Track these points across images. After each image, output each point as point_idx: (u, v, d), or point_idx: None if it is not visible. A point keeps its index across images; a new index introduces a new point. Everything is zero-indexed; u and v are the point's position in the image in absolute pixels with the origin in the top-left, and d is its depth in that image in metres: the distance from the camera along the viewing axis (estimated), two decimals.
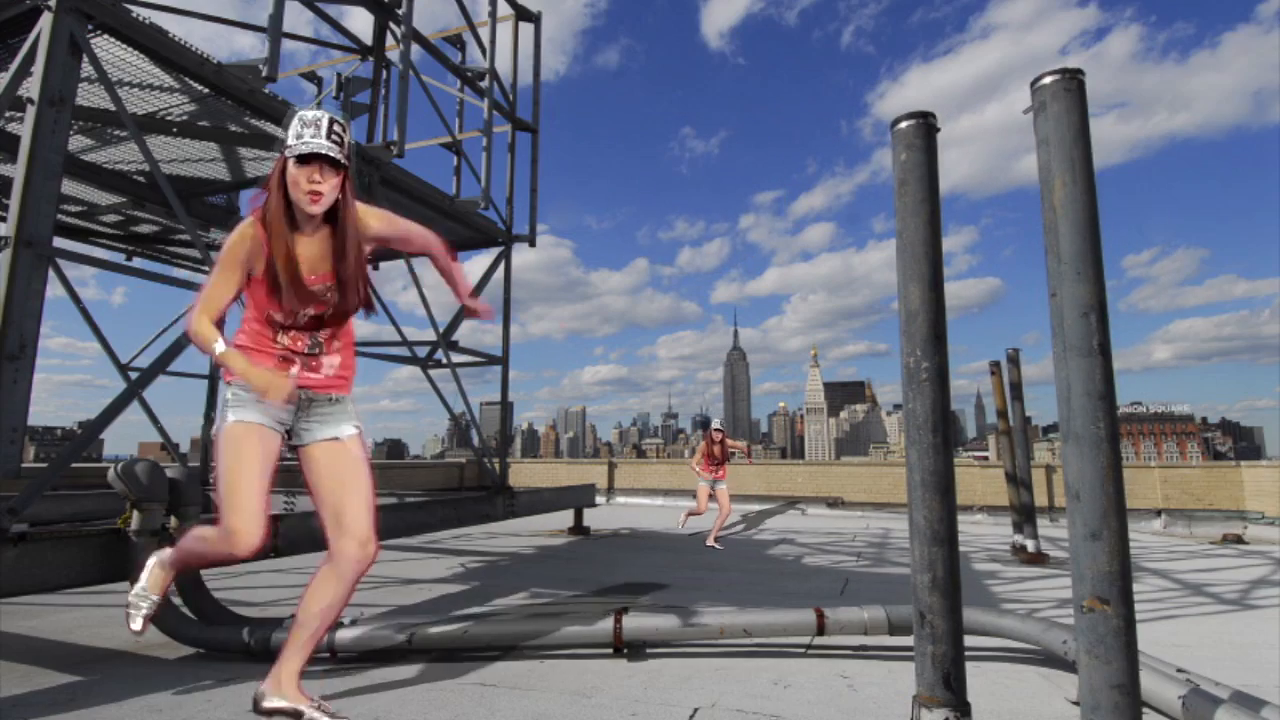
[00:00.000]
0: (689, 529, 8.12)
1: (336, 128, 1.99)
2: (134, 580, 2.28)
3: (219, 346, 1.94)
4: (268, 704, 2.02)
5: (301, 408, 2.13)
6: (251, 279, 2.03)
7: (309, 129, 1.96)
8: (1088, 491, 1.34)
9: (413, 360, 6.09)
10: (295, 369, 2.06)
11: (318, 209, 2.00)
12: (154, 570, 2.26)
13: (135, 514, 2.74)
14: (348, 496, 2.08)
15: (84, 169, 4.90)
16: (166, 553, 2.27)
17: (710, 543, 6.89)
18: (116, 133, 4.45)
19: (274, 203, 2.00)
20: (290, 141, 1.98)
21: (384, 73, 5.91)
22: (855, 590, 4.54)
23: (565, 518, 8.00)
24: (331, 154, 1.96)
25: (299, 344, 2.10)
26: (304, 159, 1.95)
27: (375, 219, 2.18)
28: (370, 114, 6.09)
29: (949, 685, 1.64)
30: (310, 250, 2.05)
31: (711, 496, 7.30)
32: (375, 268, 6.95)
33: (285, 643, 2.08)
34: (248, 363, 1.93)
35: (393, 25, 5.05)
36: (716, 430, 7.54)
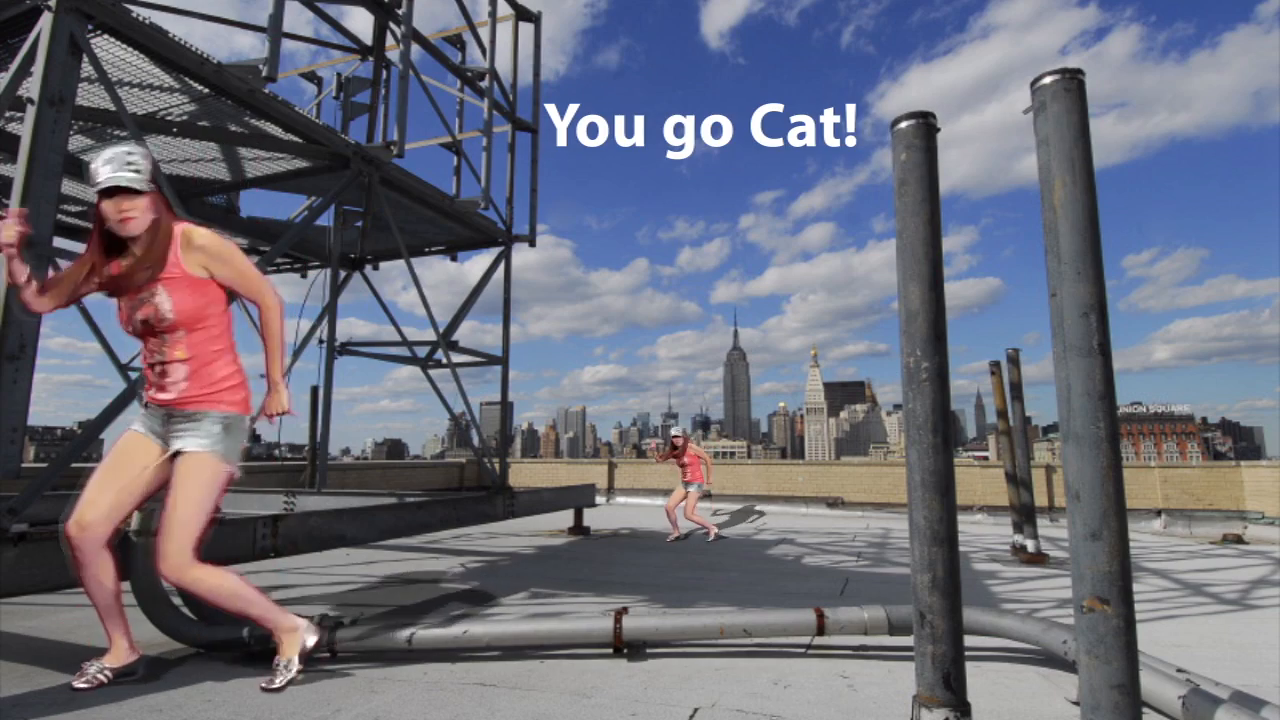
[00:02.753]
0: (685, 528, 8.13)
1: (131, 158, 2.29)
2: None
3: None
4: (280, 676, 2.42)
5: (163, 420, 2.38)
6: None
7: (107, 166, 2.27)
8: (1088, 491, 1.34)
9: (413, 360, 6.09)
10: (152, 387, 2.39)
11: (131, 230, 2.30)
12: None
13: (135, 514, 2.73)
14: (165, 513, 2.31)
15: (84, 169, 4.90)
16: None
17: (676, 537, 7.40)
18: (116, 133, 4.45)
19: (95, 234, 2.35)
20: (96, 180, 2.27)
21: (384, 73, 5.91)
22: (855, 590, 4.53)
23: (565, 518, 8.00)
24: (125, 184, 2.25)
25: (149, 357, 2.39)
26: (106, 193, 2.27)
27: (203, 246, 2.39)
28: (370, 114, 6.09)
29: (949, 685, 1.64)
30: (133, 265, 2.35)
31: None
32: (367, 269, 6.95)
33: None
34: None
35: (393, 25, 5.05)
36: (676, 436, 8.05)
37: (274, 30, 3.73)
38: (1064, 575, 5.33)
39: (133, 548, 2.72)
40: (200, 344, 2.39)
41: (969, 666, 1.72)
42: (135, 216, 2.29)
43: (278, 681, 2.35)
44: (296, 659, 2.44)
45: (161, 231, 2.35)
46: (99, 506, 2.29)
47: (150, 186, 2.31)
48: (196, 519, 2.31)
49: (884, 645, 2.96)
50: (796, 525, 9.60)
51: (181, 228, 2.39)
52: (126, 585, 2.58)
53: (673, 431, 8.27)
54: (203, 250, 2.38)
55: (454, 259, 6.94)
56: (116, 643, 2.40)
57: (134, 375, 5.32)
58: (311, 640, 2.50)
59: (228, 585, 2.36)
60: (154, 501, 2.75)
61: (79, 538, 2.27)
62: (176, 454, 2.34)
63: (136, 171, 2.28)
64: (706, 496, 8.41)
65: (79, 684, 2.30)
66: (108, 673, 2.35)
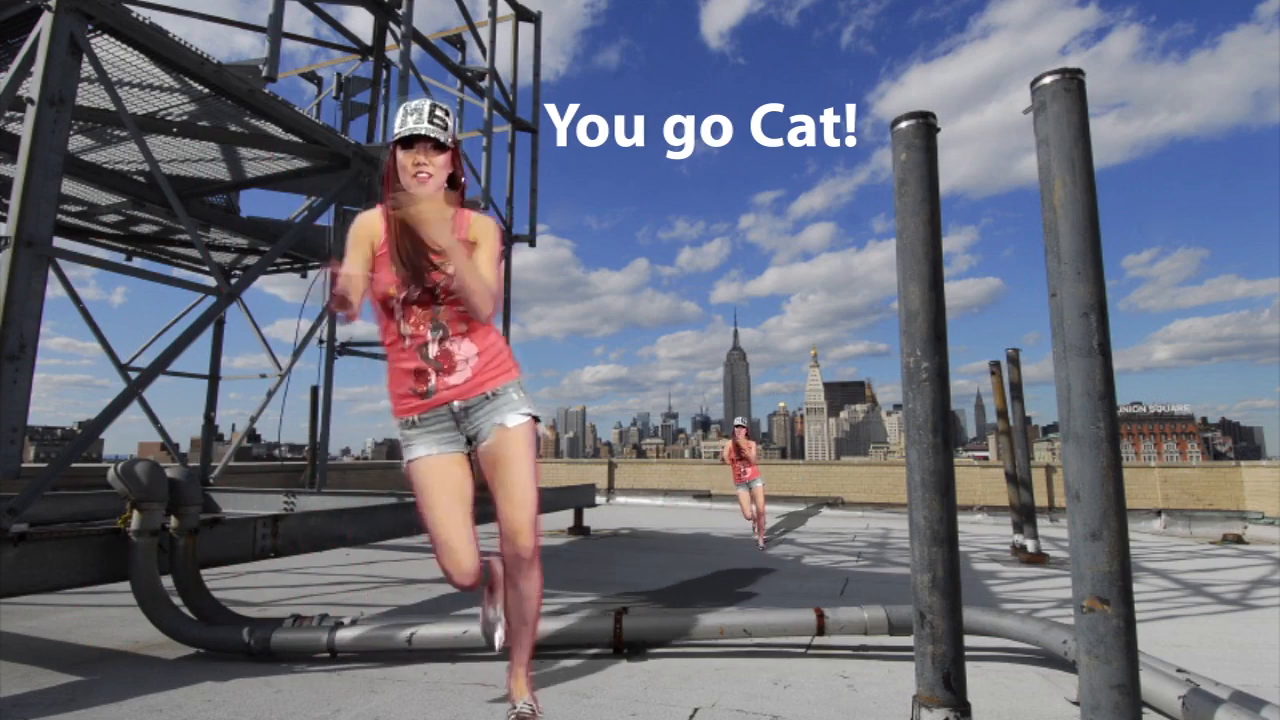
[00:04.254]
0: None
1: (439, 112, 2.06)
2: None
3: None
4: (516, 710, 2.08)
5: (459, 419, 2.06)
6: (373, 267, 2.04)
7: (411, 116, 2.03)
8: (1088, 491, 1.34)
9: None
10: (432, 379, 2.03)
11: (427, 188, 2.03)
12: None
13: (135, 514, 2.74)
14: (500, 494, 2.05)
15: (84, 169, 4.90)
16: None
17: (760, 542, 6.98)
18: (116, 133, 4.45)
19: (390, 186, 2.06)
20: (396, 130, 2.05)
21: (384, 73, 5.91)
22: (855, 590, 4.53)
23: (565, 518, 8.00)
24: (431, 134, 2.01)
25: (421, 328, 2.03)
26: (406, 143, 2.02)
27: (478, 217, 2.15)
28: (370, 114, 6.09)
29: (949, 685, 1.64)
30: (426, 227, 2.01)
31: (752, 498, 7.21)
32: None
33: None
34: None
35: (393, 25, 5.05)
36: (741, 427, 7.49)
37: (274, 30, 3.73)
38: (1064, 575, 5.33)
39: (133, 548, 2.72)
40: (473, 320, 2.08)
41: (969, 666, 1.72)
42: (432, 174, 2.03)
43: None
44: (515, 706, 2.07)
45: (451, 196, 2.14)
46: (466, 544, 2.03)
47: (452, 144, 2.09)
48: (536, 489, 2.10)
49: (884, 645, 2.96)
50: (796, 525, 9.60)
51: (468, 212, 2.17)
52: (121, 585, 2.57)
53: (737, 422, 7.57)
54: (481, 229, 2.13)
55: None
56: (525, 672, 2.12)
57: (134, 375, 5.32)
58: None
59: (542, 593, 2.16)
60: (154, 502, 2.75)
61: (475, 581, 2.06)
62: (488, 439, 2.05)
63: (443, 127, 2.06)
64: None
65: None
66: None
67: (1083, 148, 1.44)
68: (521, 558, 2.05)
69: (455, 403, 2.05)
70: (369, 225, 2.09)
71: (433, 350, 2.03)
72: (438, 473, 2.04)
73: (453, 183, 2.14)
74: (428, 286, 2.02)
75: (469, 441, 2.09)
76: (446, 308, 2.04)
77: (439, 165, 2.05)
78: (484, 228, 2.14)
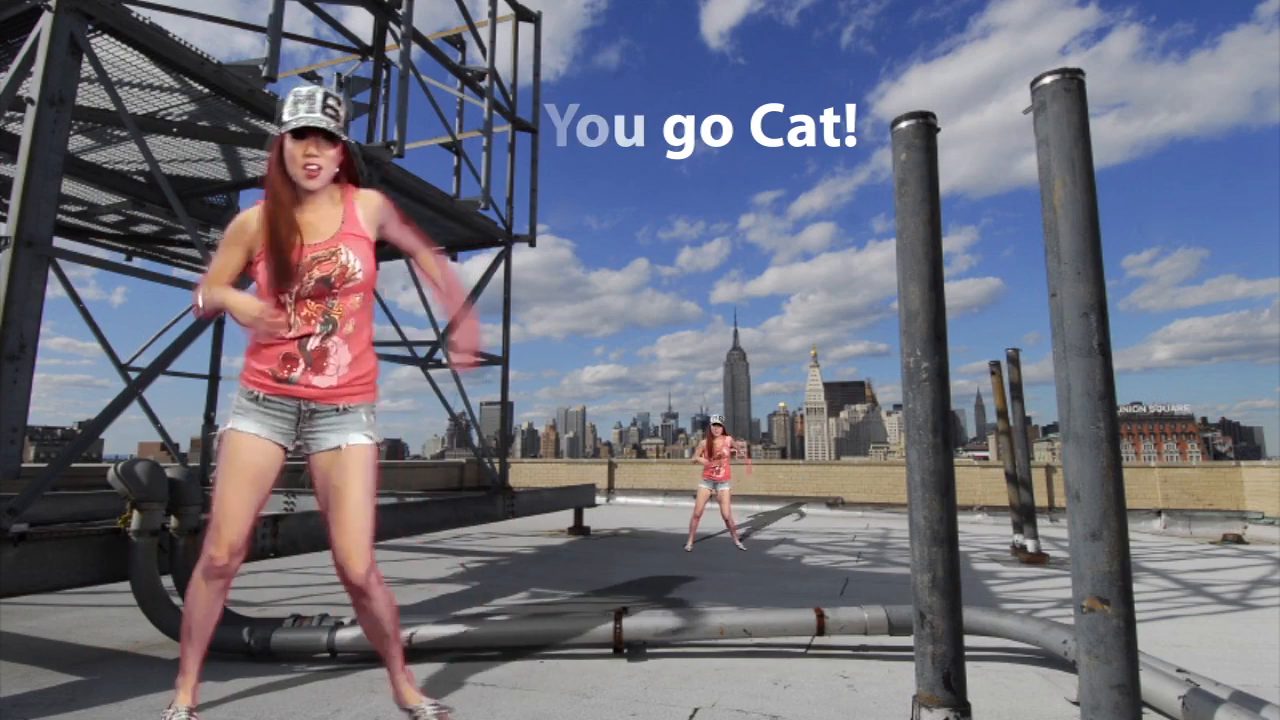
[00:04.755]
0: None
1: (331, 101, 1.99)
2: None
3: (217, 292, 1.93)
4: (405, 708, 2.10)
5: (304, 419, 2.02)
6: (255, 260, 2.00)
7: (303, 104, 1.97)
8: (1088, 491, 1.34)
9: (413, 360, 6.09)
10: (298, 370, 1.98)
11: (315, 183, 1.99)
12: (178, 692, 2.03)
13: (135, 514, 2.74)
14: (332, 518, 2.01)
15: (84, 169, 4.90)
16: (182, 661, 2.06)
17: (738, 544, 6.84)
18: (116, 133, 4.45)
19: (274, 176, 2.00)
20: (285, 118, 1.98)
21: (384, 73, 5.90)
22: (855, 590, 4.53)
23: (565, 518, 8.00)
24: (325, 126, 1.95)
25: (312, 322, 1.99)
26: (298, 134, 1.96)
27: (376, 201, 2.13)
28: (370, 114, 6.08)
29: (949, 685, 1.64)
30: (313, 218, 2.04)
31: (712, 498, 6.99)
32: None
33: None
34: (236, 295, 1.91)
35: (393, 25, 5.05)
36: (715, 425, 7.21)
37: (274, 30, 3.73)
38: (1064, 575, 5.33)
39: (133, 548, 2.72)
40: (364, 324, 2.08)
41: (969, 666, 1.72)
42: (322, 166, 1.98)
43: None
44: (428, 702, 2.09)
45: (343, 187, 2.10)
46: (244, 524, 1.96)
47: (344, 137, 2.03)
48: (373, 514, 2.05)
49: (884, 645, 2.96)
50: (796, 525, 9.60)
51: (352, 189, 2.13)
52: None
53: (714, 419, 7.26)
54: (374, 205, 2.11)
55: (454, 259, 6.94)
56: (192, 681, 2.02)
57: (134, 375, 5.33)
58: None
59: (392, 601, 2.10)
60: (154, 502, 2.75)
61: (231, 565, 1.97)
62: (331, 450, 2.02)
63: (334, 117, 1.99)
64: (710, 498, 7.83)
65: None
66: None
67: (1083, 148, 1.44)
68: (354, 585, 2.00)
69: (306, 403, 2.01)
70: (246, 228, 2.01)
71: (312, 344, 1.99)
72: (254, 454, 1.98)
73: (340, 177, 2.08)
74: (322, 277, 1.98)
75: (296, 444, 2.05)
76: (340, 300, 2.01)
77: (330, 158, 2.00)
78: (377, 208, 2.11)
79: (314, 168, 1.97)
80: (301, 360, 1.98)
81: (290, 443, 2.04)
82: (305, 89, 1.99)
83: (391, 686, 2.11)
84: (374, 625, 2.06)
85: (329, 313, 2.00)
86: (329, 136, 1.98)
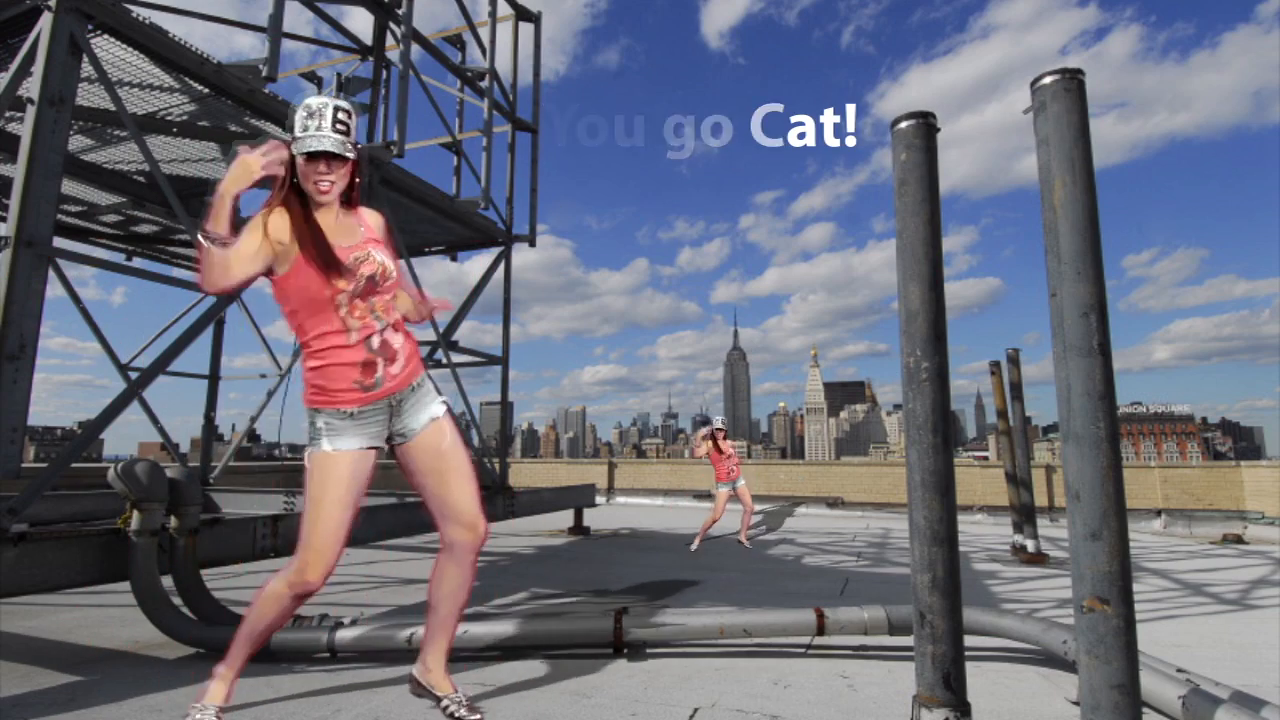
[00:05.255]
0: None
1: (341, 115, 2.00)
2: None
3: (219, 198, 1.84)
4: (419, 687, 2.17)
5: (394, 412, 2.08)
6: (293, 270, 1.96)
7: (314, 120, 1.97)
8: (1088, 491, 1.34)
9: None
10: (379, 371, 2.01)
11: (328, 199, 2.03)
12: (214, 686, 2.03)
13: (135, 514, 2.74)
14: (449, 482, 2.10)
15: (84, 169, 4.90)
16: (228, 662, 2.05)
17: (744, 541, 6.90)
18: (116, 133, 4.45)
19: (285, 186, 2.01)
20: (297, 134, 1.99)
21: (384, 73, 5.91)
22: (855, 590, 4.53)
23: (565, 518, 8.00)
24: (338, 150, 1.97)
25: (368, 320, 2.01)
26: (312, 155, 1.98)
27: (382, 229, 2.18)
28: (370, 114, 6.09)
29: (949, 685, 1.64)
30: (334, 224, 2.06)
31: (733, 497, 6.96)
32: None
33: (425, 632, 2.19)
34: (226, 181, 1.85)
35: (393, 25, 5.05)
36: (719, 429, 7.19)
37: (274, 30, 3.73)
38: (1064, 575, 5.33)
39: (133, 548, 2.72)
40: (395, 309, 2.13)
41: (969, 666, 1.72)
42: (334, 182, 2.01)
43: (470, 715, 2.06)
44: (456, 693, 2.12)
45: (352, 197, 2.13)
46: (341, 547, 2.00)
47: (353, 153, 2.04)
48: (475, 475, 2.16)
49: (884, 645, 2.96)
50: (796, 525, 9.60)
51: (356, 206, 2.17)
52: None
53: (717, 422, 7.22)
54: (380, 222, 2.19)
55: (454, 259, 6.94)
56: (234, 680, 2.04)
57: (134, 375, 5.32)
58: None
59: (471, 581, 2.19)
60: (154, 502, 2.75)
61: (320, 587, 2.02)
62: (423, 429, 2.09)
63: (345, 132, 2.01)
64: (706, 497, 7.97)
65: None
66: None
67: (1083, 148, 1.44)
68: (480, 540, 2.12)
69: (394, 396, 2.07)
70: (279, 227, 1.97)
71: (377, 341, 2.03)
72: (358, 472, 2.01)
73: (349, 190, 2.10)
74: (368, 275, 2.01)
75: (388, 439, 2.11)
76: (379, 299, 2.06)
77: (341, 175, 2.03)
78: (381, 225, 2.18)
79: (326, 186, 2.01)
80: (379, 360, 2.02)
81: (384, 440, 2.10)
82: (316, 101, 2.00)
83: (426, 667, 2.15)
84: (458, 591, 2.13)
85: (375, 310, 2.04)
86: (340, 155, 2.01)
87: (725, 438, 7.15)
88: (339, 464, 1.98)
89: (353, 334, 1.99)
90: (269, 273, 1.97)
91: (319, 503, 1.96)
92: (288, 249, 1.96)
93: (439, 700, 2.11)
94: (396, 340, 2.08)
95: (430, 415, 2.12)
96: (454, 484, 2.10)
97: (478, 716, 2.05)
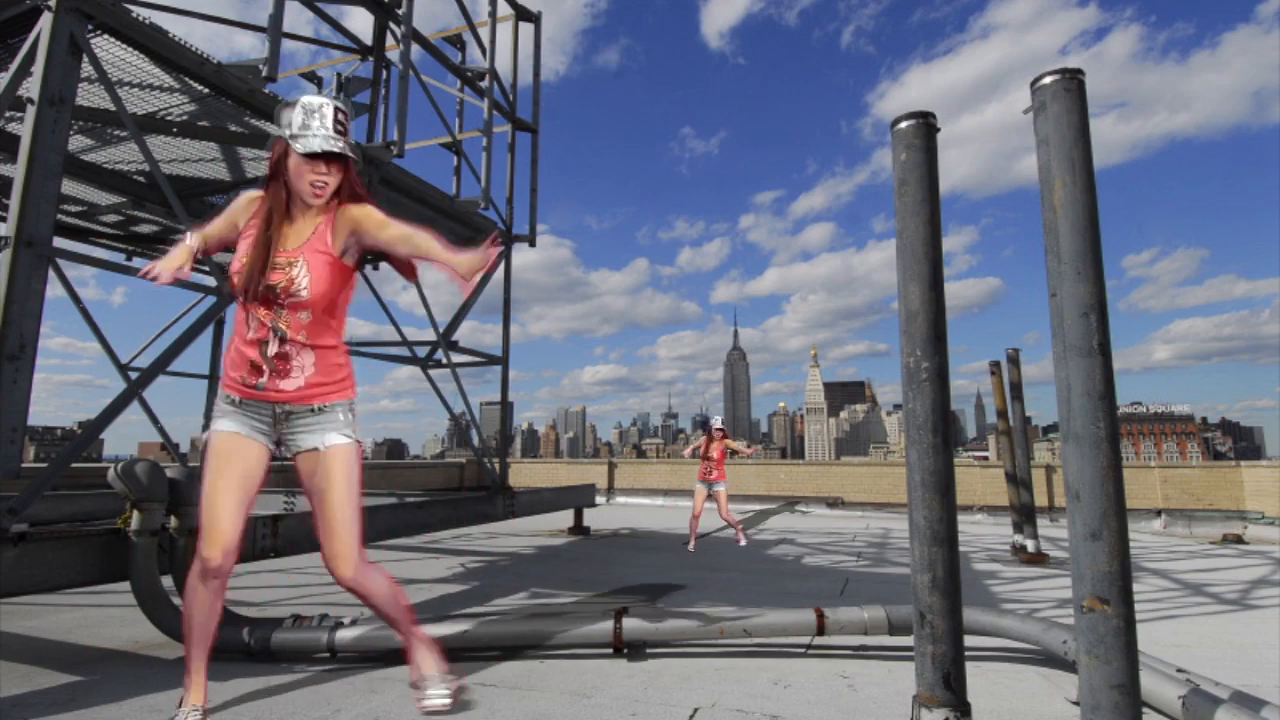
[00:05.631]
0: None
1: (340, 117, 2.02)
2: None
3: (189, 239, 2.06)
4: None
5: (280, 420, 2.07)
6: (238, 241, 2.09)
7: (314, 118, 1.99)
8: (1088, 491, 1.34)
9: (413, 360, 6.09)
10: (264, 376, 2.02)
11: (319, 202, 2.05)
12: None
13: (135, 514, 2.74)
14: (319, 519, 2.07)
15: (84, 169, 4.90)
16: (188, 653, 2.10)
17: (741, 539, 6.99)
18: (116, 133, 4.45)
19: (276, 179, 2.07)
20: (295, 131, 1.99)
21: (384, 73, 5.91)
22: (855, 590, 4.53)
23: (565, 518, 8.00)
24: (338, 150, 1.99)
25: (264, 329, 2.01)
26: (312, 156, 1.99)
27: (383, 228, 2.07)
28: (370, 114, 6.09)
29: (949, 685, 1.64)
30: (292, 227, 2.09)
31: (710, 498, 7.10)
32: (367, 269, 6.93)
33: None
34: (178, 252, 1.99)
35: (393, 25, 5.05)
36: (718, 430, 7.26)
37: (274, 30, 3.73)
38: (1064, 575, 5.33)
39: (133, 548, 2.72)
40: (319, 334, 2.07)
41: (969, 666, 1.72)
42: (329, 184, 2.03)
43: (435, 702, 2.13)
44: (441, 675, 2.21)
45: (355, 223, 2.10)
46: (235, 523, 1.99)
47: (352, 155, 2.06)
48: (358, 512, 2.10)
49: (884, 645, 2.96)
50: (796, 525, 9.60)
51: (338, 206, 2.13)
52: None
53: (715, 423, 7.33)
54: (348, 218, 2.09)
55: None
56: (201, 680, 2.08)
57: (134, 375, 5.32)
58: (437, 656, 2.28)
59: (390, 586, 2.20)
60: (154, 502, 2.75)
61: (225, 564, 1.98)
62: (310, 450, 2.07)
63: (344, 133, 2.03)
64: (706, 497, 8.06)
65: None
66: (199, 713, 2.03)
67: (1083, 148, 1.44)
68: (345, 586, 2.09)
69: (280, 405, 2.05)
70: (244, 207, 2.11)
71: (271, 349, 2.03)
72: (238, 452, 2.03)
73: (340, 190, 2.10)
74: (269, 284, 2.00)
75: (278, 444, 2.10)
76: (288, 312, 2.02)
77: (335, 176, 2.05)
78: (350, 218, 2.10)
79: (321, 187, 2.02)
80: (265, 367, 2.02)
81: (272, 443, 2.09)
82: (315, 100, 2.01)
83: (413, 656, 2.24)
84: (382, 604, 2.17)
85: (276, 321, 2.02)
86: (338, 157, 2.02)
87: (724, 439, 7.19)
88: (223, 443, 2.02)
89: (250, 331, 2.03)
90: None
91: (206, 483, 2.01)
92: (238, 225, 2.09)
93: (414, 684, 2.23)
94: (302, 360, 2.04)
95: (316, 444, 2.06)
96: (323, 517, 2.06)
97: (448, 700, 2.16)
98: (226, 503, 1.98)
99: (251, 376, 2.02)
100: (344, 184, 2.10)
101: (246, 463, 2.03)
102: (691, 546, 6.68)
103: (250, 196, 2.10)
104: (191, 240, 2.05)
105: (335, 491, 2.05)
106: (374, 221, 2.08)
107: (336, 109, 2.02)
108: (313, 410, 2.07)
